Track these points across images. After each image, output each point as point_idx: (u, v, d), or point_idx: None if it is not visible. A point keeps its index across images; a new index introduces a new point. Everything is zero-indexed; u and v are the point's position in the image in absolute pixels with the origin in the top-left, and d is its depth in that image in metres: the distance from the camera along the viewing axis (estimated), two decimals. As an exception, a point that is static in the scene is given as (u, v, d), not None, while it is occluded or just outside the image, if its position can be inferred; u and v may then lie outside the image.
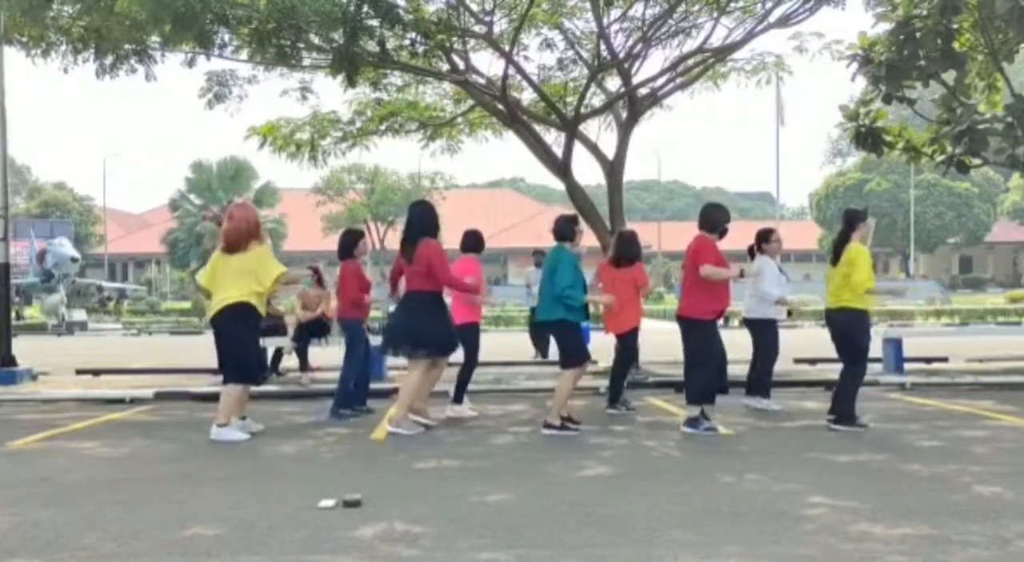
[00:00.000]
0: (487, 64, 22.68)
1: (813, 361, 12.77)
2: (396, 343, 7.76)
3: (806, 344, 13.71)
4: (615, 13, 12.59)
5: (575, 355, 7.62)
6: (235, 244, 7.28)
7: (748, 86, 14.32)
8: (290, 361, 12.05)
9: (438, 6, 12.37)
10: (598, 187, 17.88)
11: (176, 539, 4.26)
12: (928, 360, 13.19)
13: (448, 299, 8.00)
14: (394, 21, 10.75)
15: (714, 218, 7.61)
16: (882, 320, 26.49)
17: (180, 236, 50.76)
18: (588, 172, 52.04)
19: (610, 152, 13.35)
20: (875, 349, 9.71)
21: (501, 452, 6.76)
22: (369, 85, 13.51)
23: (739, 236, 9.56)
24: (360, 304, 8.74)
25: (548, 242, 8.11)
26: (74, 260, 35.61)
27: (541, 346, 14.58)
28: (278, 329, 11.41)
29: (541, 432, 7.46)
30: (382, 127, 14.68)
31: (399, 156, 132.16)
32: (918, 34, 11.53)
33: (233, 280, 7.24)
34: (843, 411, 7.53)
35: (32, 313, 38.10)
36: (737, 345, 8.62)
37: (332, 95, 51.04)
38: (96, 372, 12.95)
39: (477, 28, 12.77)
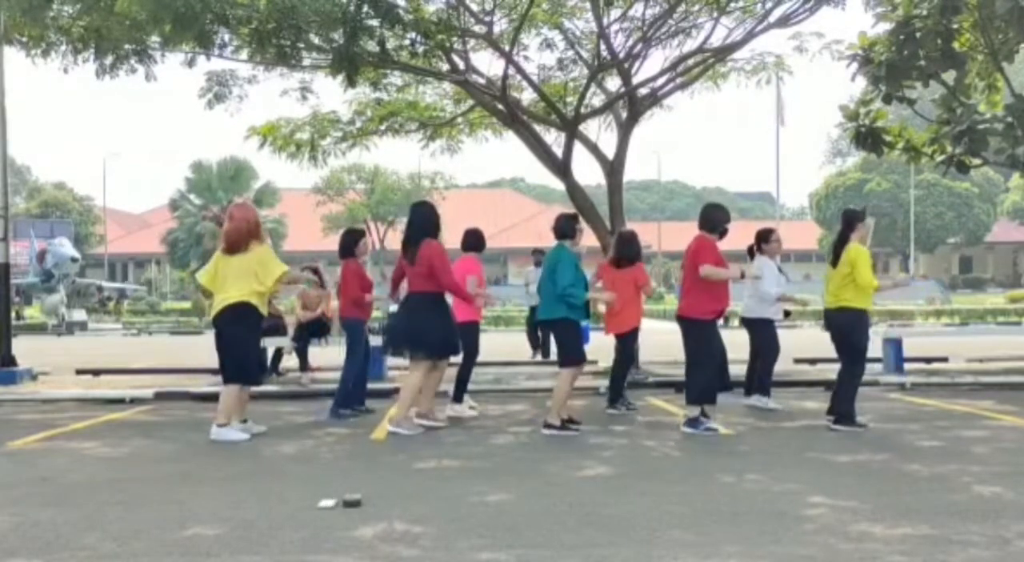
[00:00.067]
0: (487, 64, 22.64)
1: (813, 361, 12.78)
2: (397, 343, 7.79)
3: (806, 344, 13.71)
4: (615, 13, 12.57)
5: (574, 354, 7.63)
6: (236, 244, 7.29)
7: (748, 86, 14.31)
8: (290, 361, 12.05)
9: (438, 6, 12.36)
10: (598, 187, 17.85)
11: (176, 539, 4.27)
12: (928, 360, 13.21)
13: (449, 298, 8.00)
14: (394, 21, 10.74)
15: (714, 218, 7.62)
16: (882, 320, 26.49)
17: (180, 236, 50.73)
18: (588, 172, 51.95)
19: (610, 152, 13.35)
20: (875, 349, 9.73)
21: (501, 452, 6.77)
22: (369, 85, 13.49)
23: (739, 236, 9.56)
24: (361, 303, 8.73)
25: (548, 242, 8.12)
26: (74, 260, 35.62)
27: (539, 344, 14.59)
28: (278, 329, 11.40)
29: (541, 432, 7.47)
30: (382, 127, 14.66)
31: (399, 156, 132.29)
32: (918, 34, 11.54)
33: (234, 280, 7.24)
34: (843, 411, 7.54)
35: (32, 313, 38.08)
36: (736, 345, 8.62)
37: (332, 95, 50.86)
38: (96, 372, 12.95)
39: (477, 28, 12.76)
